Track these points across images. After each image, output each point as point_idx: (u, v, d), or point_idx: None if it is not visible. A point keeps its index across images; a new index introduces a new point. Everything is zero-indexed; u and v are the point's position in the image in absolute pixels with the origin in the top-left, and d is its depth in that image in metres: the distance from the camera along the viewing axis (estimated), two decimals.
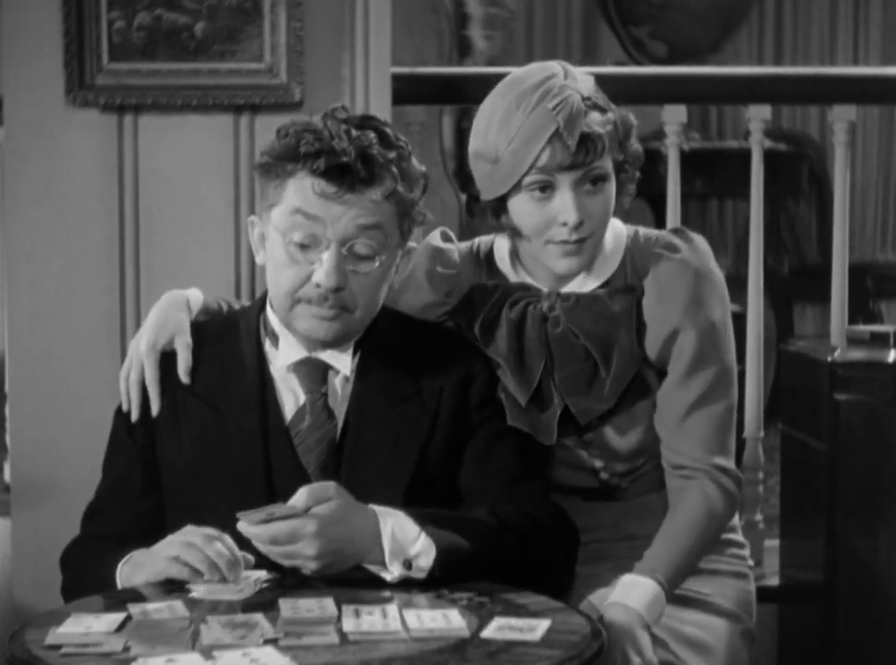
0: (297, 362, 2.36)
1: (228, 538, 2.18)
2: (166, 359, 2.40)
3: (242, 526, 2.14)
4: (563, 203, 2.37)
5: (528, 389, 2.43)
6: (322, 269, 2.25)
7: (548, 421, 2.44)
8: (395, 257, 2.35)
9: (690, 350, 2.42)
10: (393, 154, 2.28)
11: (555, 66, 2.41)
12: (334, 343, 2.33)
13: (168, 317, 2.44)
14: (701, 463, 2.41)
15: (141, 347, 2.41)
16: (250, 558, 2.19)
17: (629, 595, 2.30)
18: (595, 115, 2.37)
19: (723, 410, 2.44)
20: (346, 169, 2.24)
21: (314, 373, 2.36)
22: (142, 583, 2.19)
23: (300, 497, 2.15)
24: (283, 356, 2.36)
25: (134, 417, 2.38)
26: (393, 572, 2.18)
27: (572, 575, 2.38)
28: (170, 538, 2.22)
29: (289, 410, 2.35)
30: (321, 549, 2.13)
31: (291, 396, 2.36)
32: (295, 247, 2.27)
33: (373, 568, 2.19)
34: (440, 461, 2.34)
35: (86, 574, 2.32)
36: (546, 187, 2.37)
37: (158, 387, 2.38)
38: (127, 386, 2.39)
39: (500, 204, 2.43)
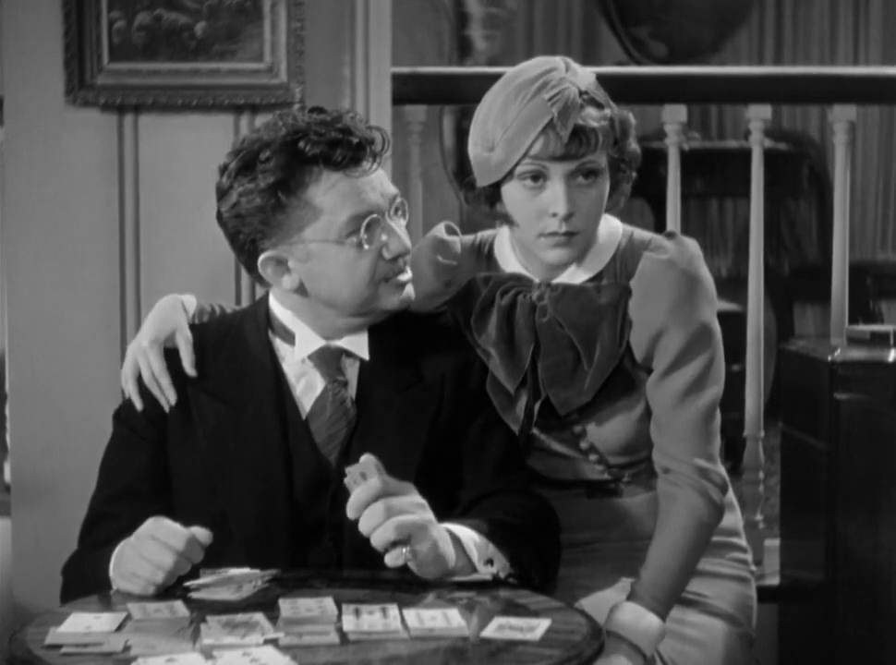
0: (316, 352, 2.37)
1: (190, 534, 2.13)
2: (168, 358, 2.39)
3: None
4: (554, 194, 2.38)
5: (517, 376, 2.44)
6: (395, 238, 2.31)
7: (529, 411, 2.45)
8: None
9: (675, 349, 2.42)
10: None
11: (557, 60, 2.43)
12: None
13: (166, 316, 2.45)
14: (685, 463, 2.40)
15: (143, 343, 2.41)
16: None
17: (635, 630, 2.31)
18: (591, 110, 2.38)
19: (706, 404, 2.43)
20: (360, 146, 2.29)
21: (333, 362, 2.37)
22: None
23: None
24: (300, 348, 2.37)
25: (166, 406, 2.36)
26: (491, 568, 2.19)
27: (557, 571, 2.39)
28: (130, 551, 2.15)
29: (305, 404, 2.36)
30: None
31: (306, 390, 2.37)
32: (364, 239, 2.30)
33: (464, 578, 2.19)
34: (444, 446, 2.36)
35: (83, 581, 2.28)
36: (538, 177, 2.39)
37: (168, 377, 2.38)
38: (134, 386, 2.38)
39: (494, 191, 2.45)
